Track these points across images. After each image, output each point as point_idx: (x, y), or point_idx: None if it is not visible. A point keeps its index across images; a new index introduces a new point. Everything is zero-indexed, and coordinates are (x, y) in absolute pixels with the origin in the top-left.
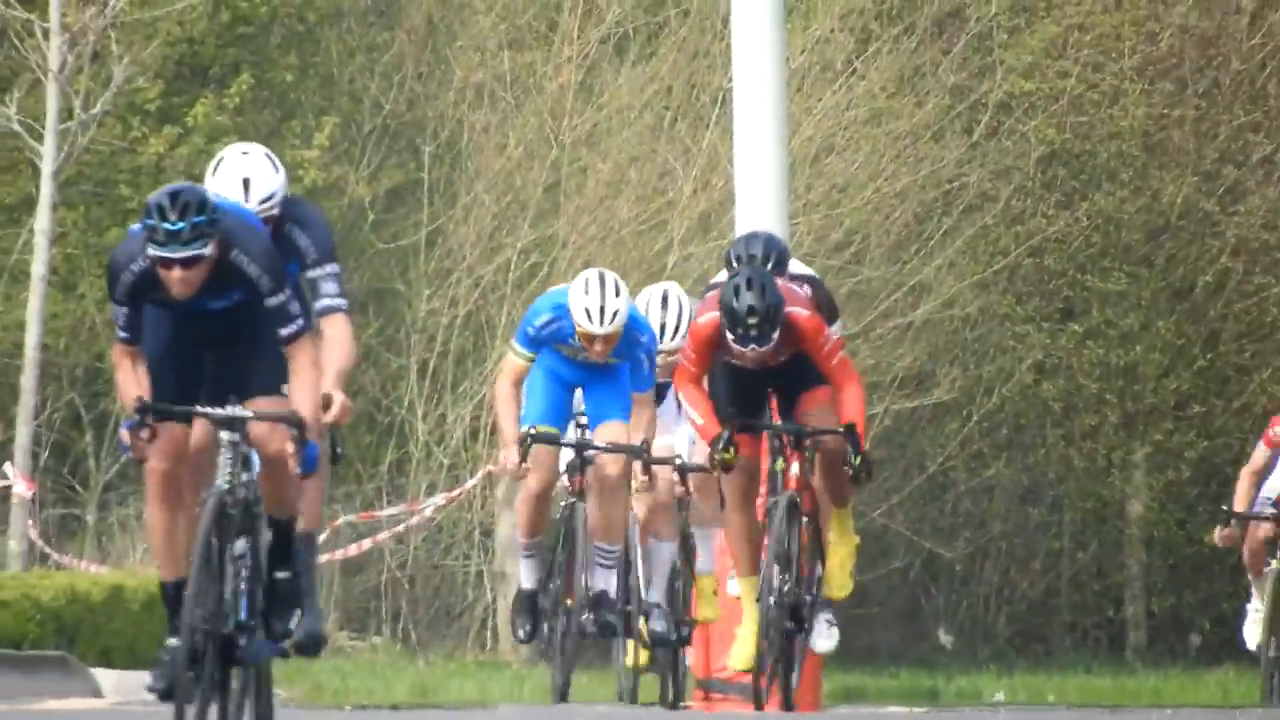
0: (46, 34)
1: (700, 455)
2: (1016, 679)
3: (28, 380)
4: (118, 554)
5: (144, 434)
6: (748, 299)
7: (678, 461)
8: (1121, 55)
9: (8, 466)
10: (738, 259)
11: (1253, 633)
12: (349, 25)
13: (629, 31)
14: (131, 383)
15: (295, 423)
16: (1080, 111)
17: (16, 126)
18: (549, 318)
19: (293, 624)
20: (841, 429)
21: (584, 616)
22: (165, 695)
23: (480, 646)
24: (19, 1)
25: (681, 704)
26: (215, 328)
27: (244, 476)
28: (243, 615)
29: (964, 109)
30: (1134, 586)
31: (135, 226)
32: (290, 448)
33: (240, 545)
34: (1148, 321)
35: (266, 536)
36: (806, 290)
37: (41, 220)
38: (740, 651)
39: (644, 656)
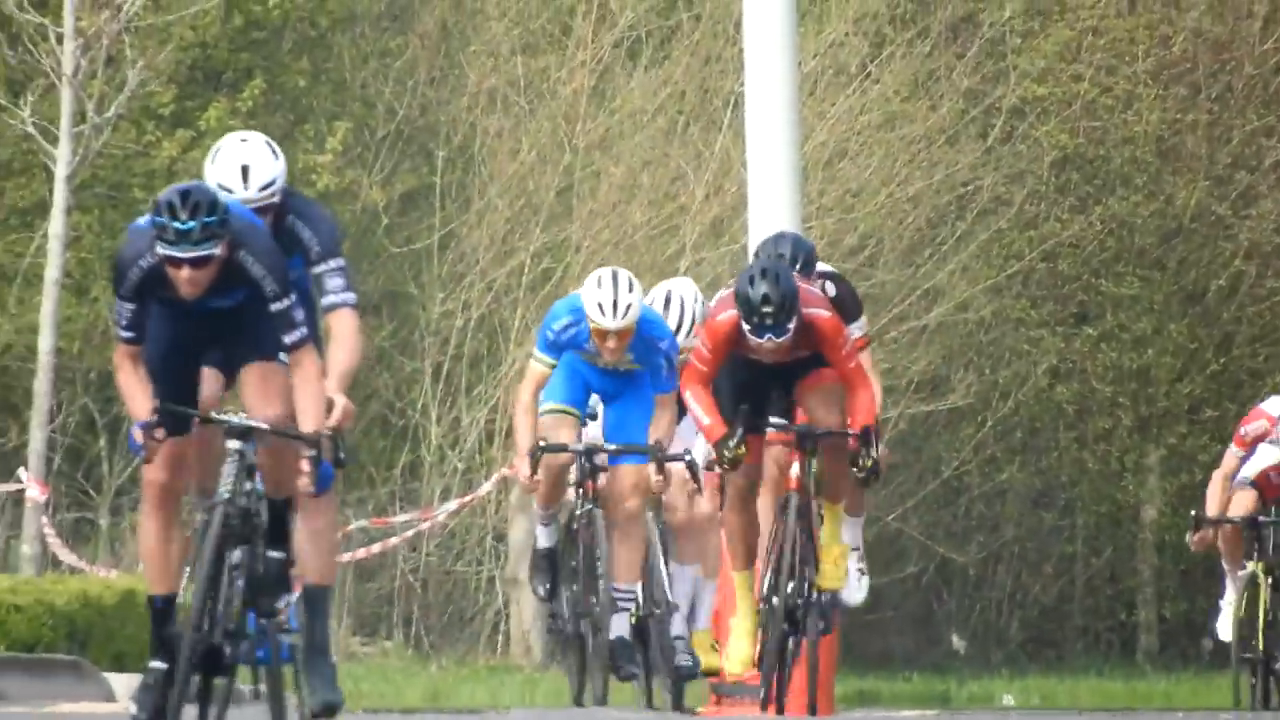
0: (60, 38)
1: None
2: (1029, 682)
3: (41, 384)
4: (130, 558)
5: (158, 433)
6: (762, 287)
7: (687, 458)
8: (1135, 60)
9: (21, 471)
10: (767, 259)
11: (1226, 626)
12: (362, 30)
13: (642, 36)
14: (137, 388)
15: (311, 443)
16: (1094, 116)
17: (31, 130)
18: (567, 321)
19: (281, 604)
20: (851, 432)
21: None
22: None
23: (492, 651)
24: (33, 6)
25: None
26: (216, 326)
27: (246, 485)
28: (232, 623)
29: (978, 113)
30: (1146, 591)
31: (140, 222)
32: (306, 467)
33: (237, 555)
34: (1161, 325)
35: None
36: (830, 287)
37: (55, 224)
38: (738, 654)
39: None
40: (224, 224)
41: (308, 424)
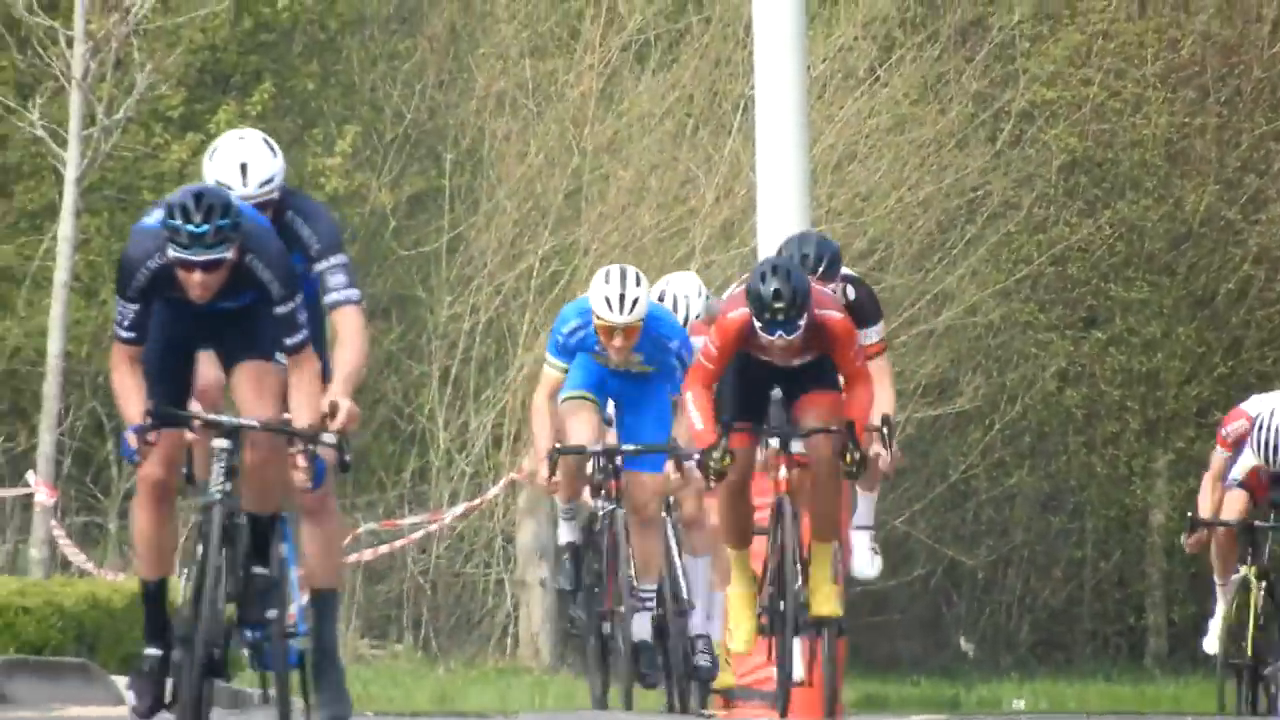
0: (70, 41)
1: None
2: (1037, 686)
3: (50, 387)
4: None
5: (151, 437)
6: (774, 284)
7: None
8: (1144, 63)
9: (30, 474)
10: (790, 258)
11: (1213, 641)
12: (371, 33)
13: (651, 39)
14: (132, 390)
15: (306, 437)
16: (1103, 120)
17: (40, 133)
18: (576, 324)
19: (270, 614)
20: (832, 428)
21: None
22: (150, 713)
23: (501, 653)
24: (43, 9)
25: (704, 711)
26: (218, 326)
27: (227, 485)
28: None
29: (987, 117)
30: (1155, 595)
31: (147, 222)
32: (302, 462)
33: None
34: (1170, 329)
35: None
36: (850, 291)
37: (64, 227)
38: (740, 631)
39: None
40: (236, 227)
41: (302, 421)
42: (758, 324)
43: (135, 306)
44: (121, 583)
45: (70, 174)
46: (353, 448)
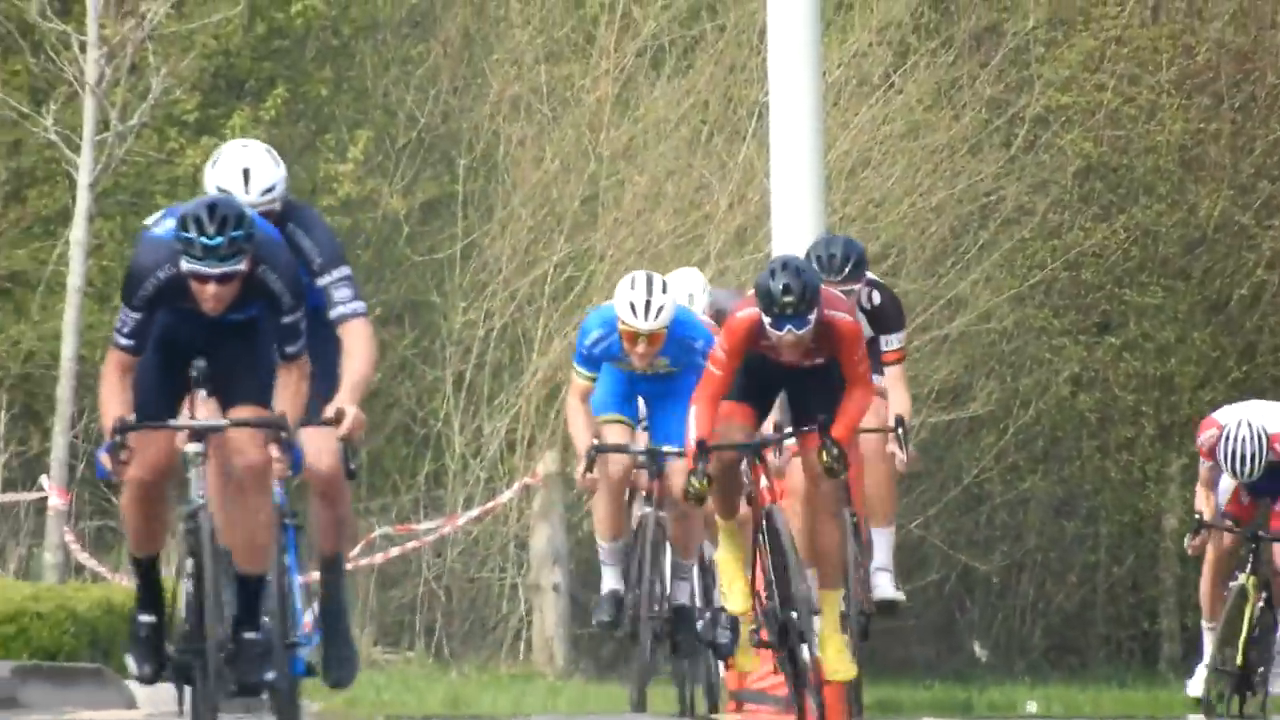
0: (84, 46)
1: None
2: (1051, 691)
3: (63, 391)
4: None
5: (123, 455)
6: (783, 279)
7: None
8: (1158, 69)
9: (44, 478)
10: (817, 259)
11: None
12: (384, 38)
13: (665, 45)
14: (116, 401)
15: (278, 425)
16: (1117, 125)
17: (54, 138)
18: (599, 334)
19: (268, 676)
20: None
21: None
22: (153, 680)
23: (515, 658)
24: (56, 14)
25: (714, 716)
26: (218, 336)
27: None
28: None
29: (1001, 123)
30: (1169, 600)
31: (156, 231)
32: (276, 452)
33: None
34: (1184, 334)
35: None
36: (876, 296)
37: (78, 231)
38: (734, 591)
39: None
40: (250, 238)
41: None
42: (767, 319)
43: (138, 315)
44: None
45: (83, 179)
46: (366, 452)
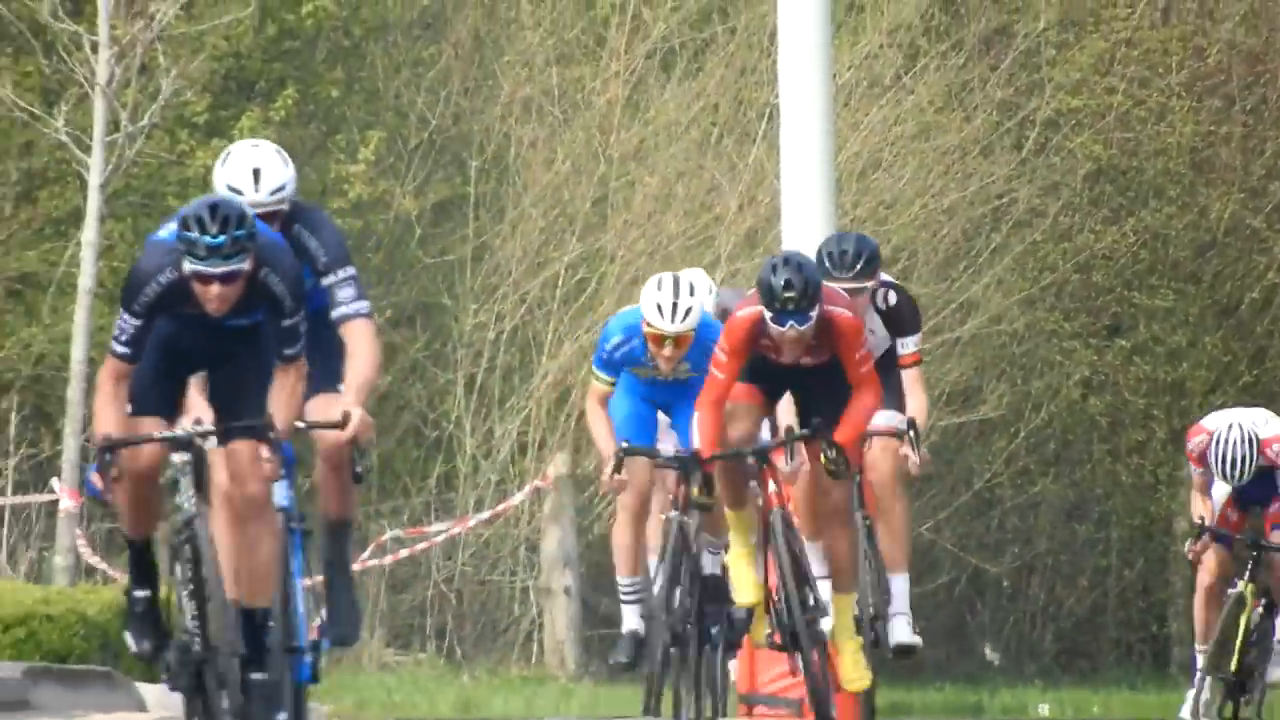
0: (94, 47)
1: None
2: (1062, 694)
3: (74, 393)
4: (162, 569)
5: (114, 473)
6: (785, 274)
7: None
8: (1169, 71)
9: (54, 480)
10: (828, 255)
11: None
12: (395, 39)
13: (676, 47)
14: (109, 414)
15: (262, 430)
16: (1127, 128)
17: (64, 139)
18: (620, 339)
19: (280, 717)
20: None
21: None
22: (153, 656)
23: (526, 661)
24: (67, 15)
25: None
26: (220, 344)
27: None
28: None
29: (1012, 125)
30: (1179, 603)
31: (161, 235)
32: (265, 453)
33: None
34: (1194, 337)
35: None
36: (892, 296)
37: (88, 233)
38: (742, 583)
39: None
40: (252, 237)
41: (278, 422)
42: (768, 315)
43: (138, 323)
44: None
45: (94, 180)
46: (377, 455)
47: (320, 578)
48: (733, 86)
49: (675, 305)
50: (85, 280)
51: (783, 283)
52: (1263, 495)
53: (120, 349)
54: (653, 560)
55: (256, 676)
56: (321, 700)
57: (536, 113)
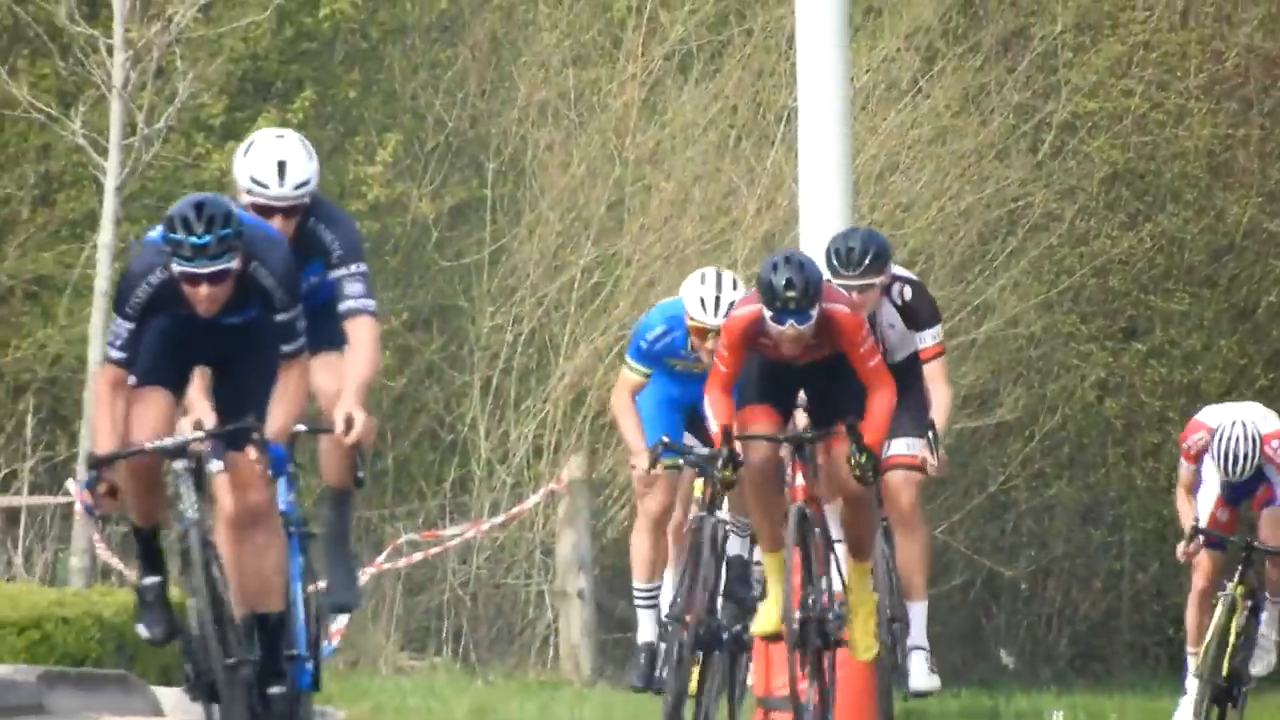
0: (111, 50)
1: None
2: (1077, 698)
3: (90, 395)
4: (178, 571)
5: (102, 488)
6: (786, 273)
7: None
8: (1187, 75)
9: (70, 483)
10: (835, 253)
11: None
12: (412, 42)
13: (693, 50)
14: (106, 427)
15: (248, 430)
16: (1145, 131)
17: (81, 142)
18: (661, 330)
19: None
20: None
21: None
22: (166, 640)
23: (542, 665)
24: (84, 18)
25: None
26: (218, 343)
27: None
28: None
29: (1028, 128)
30: None
31: (149, 236)
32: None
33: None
34: (1210, 341)
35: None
36: (907, 291)
37: (104, 235)
38: (765, 616)
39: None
40: (239, 235)
41: (275, 423)
42: (768, 313)
43: (131, 326)
44: None
45: (110, 183)
46: (393, 457)
47: (321, 583)
48: (750, 89)
49: (719, 299)
50: (101, 283)
51: (784, 282)
52: (1249, 489)
53: (115, 354)
54: (669, 573)
55: (274, 690)
56: (337, 705)
57: (553, 115)
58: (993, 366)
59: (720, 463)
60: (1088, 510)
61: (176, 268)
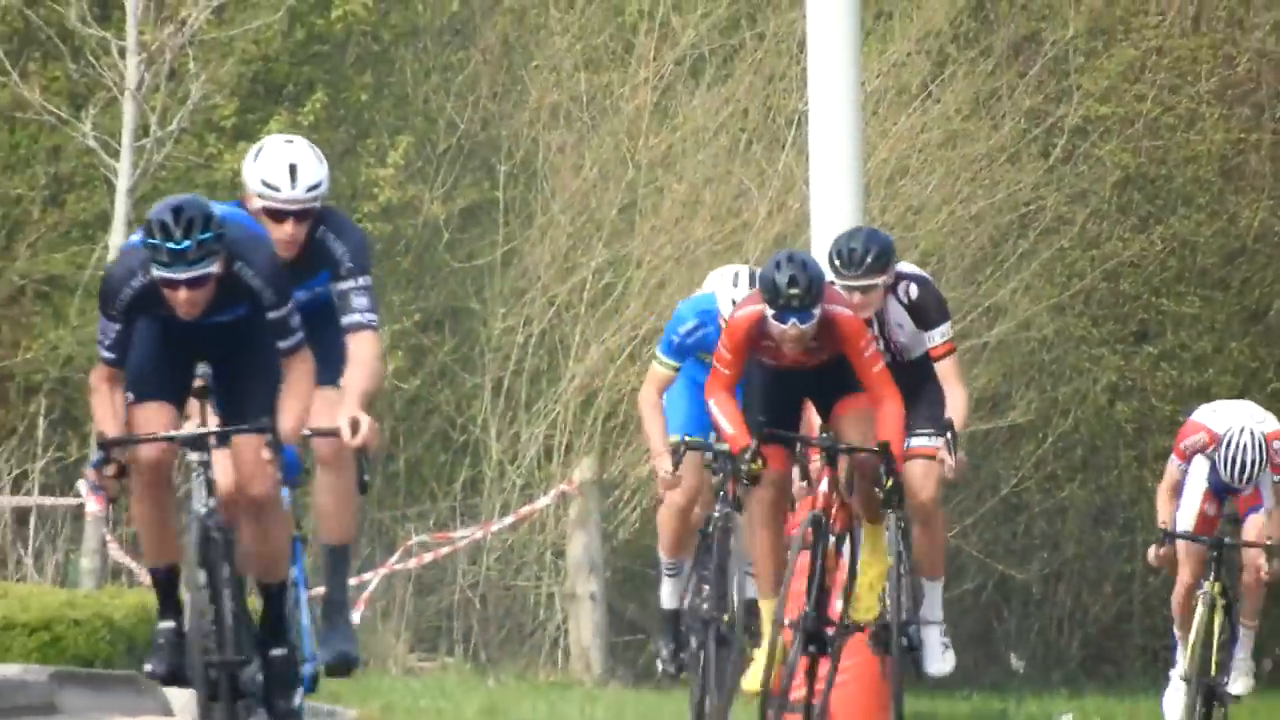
0: (123, 52)
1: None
2: (1088, 701)
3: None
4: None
5: (109, 470)
6: (788, 271)
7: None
8: (1199, 79)
9: (80, 484)
10: (837, 253)
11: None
12: (424, 44)
13: (705, 53)
14: (108, 415)
15: (262, 429)
16: (1156, 135)
17: (92, 143)
18: (694, 324)
19: (296, 702)
20: (876, 448)
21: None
22: (168, 680)
23: (552, 665)
24: (96, 20)
25: None
26: (212, 341)
27: (210, 502)
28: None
29: (1040, 132)
30: None
31: (134, 239)
32: (267, 455)
33: (227, 570)
34: (1222, 344)
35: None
36: (914, 289)
37: (116, 237)
38: (752, 673)
39: None
40: (220, 238)
41: (287, 422)
42: (770, 312)
43: (117, 326)
44: None
45: (122, 184)
46: (405, 459)
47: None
48: (761, 93)
49: None
50: None
51: (787, 279)
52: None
53: (105, 354)
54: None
55: (276, 653)
56: (347, 704)
57: (565, 118)
58: (1005, 369)
59: (749, 455)
60: (1100, 513)
61: (156, 273)
